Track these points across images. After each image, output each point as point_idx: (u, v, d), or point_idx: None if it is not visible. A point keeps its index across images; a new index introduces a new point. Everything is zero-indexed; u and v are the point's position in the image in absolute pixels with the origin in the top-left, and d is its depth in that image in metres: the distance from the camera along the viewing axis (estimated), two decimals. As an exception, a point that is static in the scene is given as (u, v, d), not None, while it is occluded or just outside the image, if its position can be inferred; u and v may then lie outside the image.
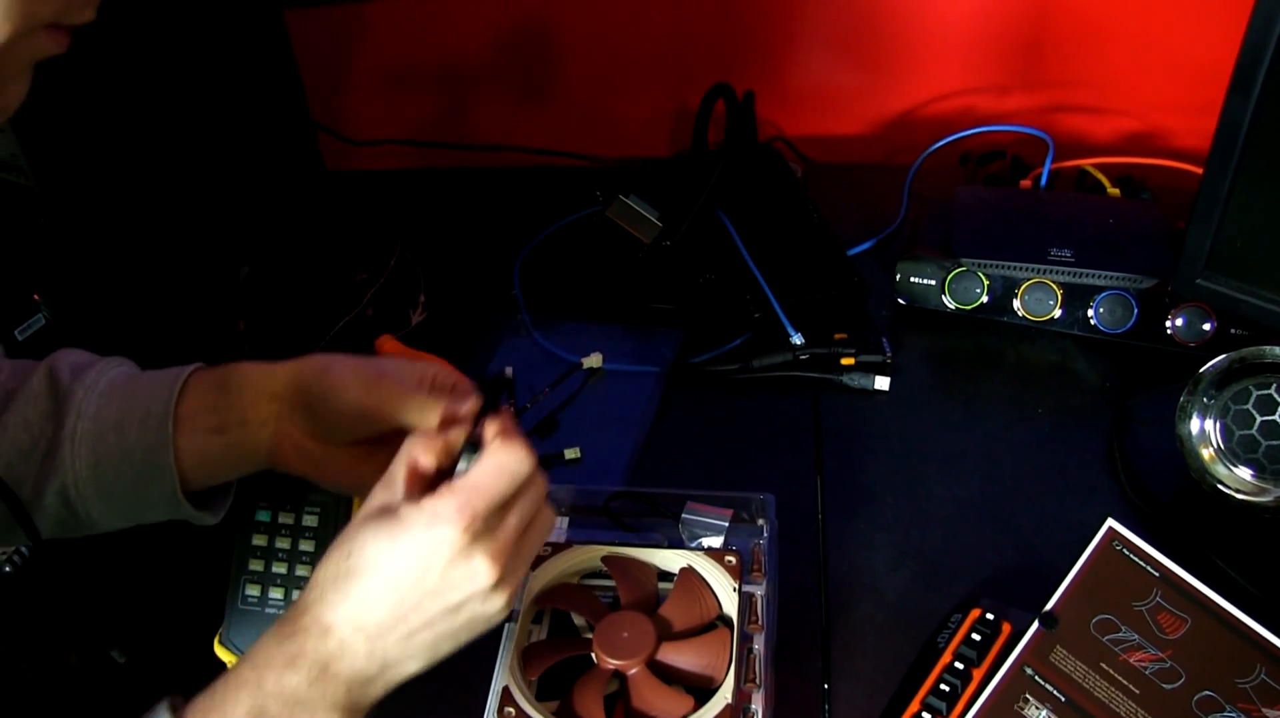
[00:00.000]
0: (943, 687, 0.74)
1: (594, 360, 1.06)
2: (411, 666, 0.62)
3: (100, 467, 0.71)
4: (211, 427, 0.73)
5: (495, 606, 0.62)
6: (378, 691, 0.62)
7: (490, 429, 0.63)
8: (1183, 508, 0.88)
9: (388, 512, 0.61)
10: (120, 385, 0.72)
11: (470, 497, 0.60)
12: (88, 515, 0.73)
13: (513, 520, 0.62)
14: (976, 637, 0.76)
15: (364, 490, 0.64)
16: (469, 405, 0.68)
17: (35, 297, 0.87)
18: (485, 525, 0.60)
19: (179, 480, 0.72)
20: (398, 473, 0.63)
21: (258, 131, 1.17)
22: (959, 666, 0.75)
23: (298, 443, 0.74)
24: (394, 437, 0.67)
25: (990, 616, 0.78)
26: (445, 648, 0.63)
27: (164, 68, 1.01)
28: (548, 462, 0.98)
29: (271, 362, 0.74)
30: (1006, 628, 0.77)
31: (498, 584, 0.61)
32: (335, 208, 1.32)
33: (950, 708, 0.73)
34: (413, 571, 0.59)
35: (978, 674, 0.75)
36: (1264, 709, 0.68)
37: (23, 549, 0.89)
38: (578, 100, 1.42)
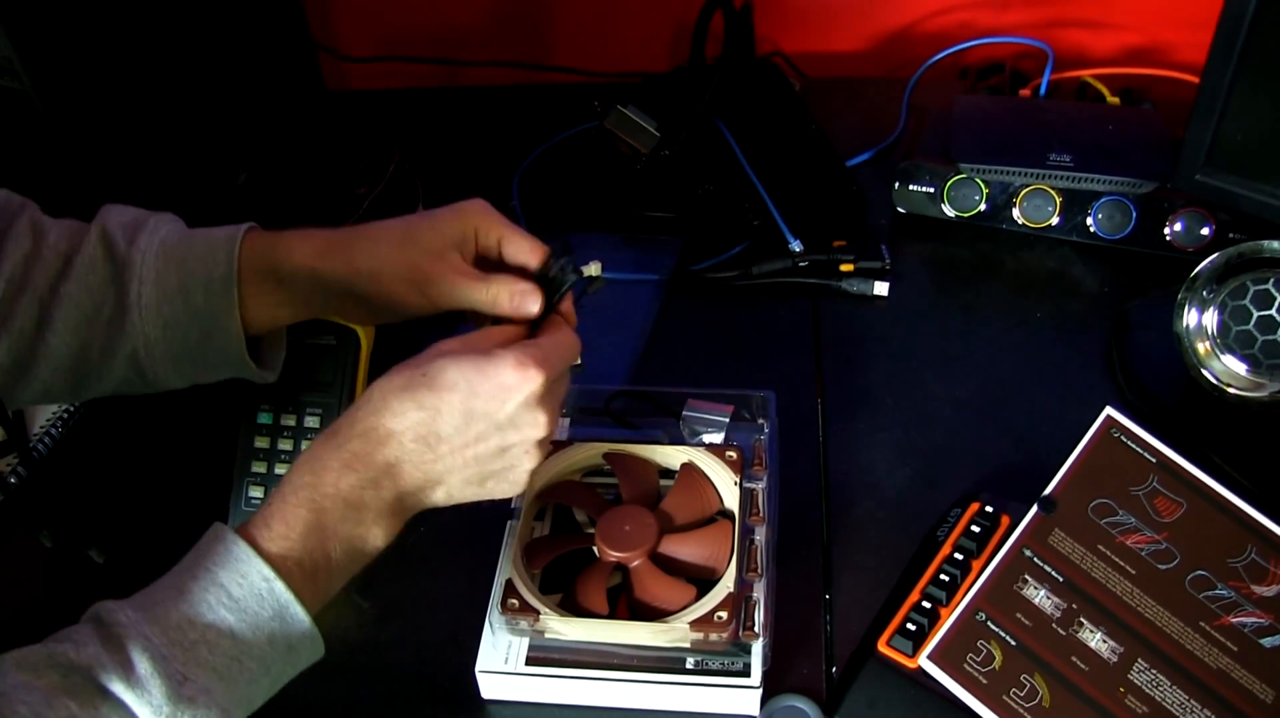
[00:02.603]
0: (942, 577, 0.75)
1: (594, 269, 1.06)
2: (443, 492, 0.66)
3: (169, 330, 0.72)
4: (273, 291, 0.74)
5: (530, 462, 0.67)
6: (417, 504, 0.66)
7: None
8: (1179, 407, 0.88)
9: (470, 348, 0.64)
10: (175, 248, 0.72)
11: (552, 358, 0.65)
12: (154, 376, 0.74)
13: (559, 397, 0.68)
14: (976, 529, 0.77)
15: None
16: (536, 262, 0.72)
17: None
18: (552, 388, 0.65)
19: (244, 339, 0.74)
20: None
21: (256, 49, 1.15)
22: (958, 557, 0.76)
23: (359, 315, 0.80)
24: None
25: (989, 508, 0.79)
26: (473, 488, 0.66)
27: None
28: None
29: (317, 247, 0.73)
30: (1005, 520, 0.78)
31: (541, 442, 0.66)
32: (334, 124, 1.31)
33: (950, 597, 0.74)
34: (492, 399, 0.63)
35: (977, 565, 0.76)
36: (1253, 587, 0.69)
37: (20, 470, 0.90)
38: (575, 16, 1.41)
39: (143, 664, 0.55)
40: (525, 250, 0.73)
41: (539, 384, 0.63)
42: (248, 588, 0.59)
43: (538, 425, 0.65)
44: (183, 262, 0.72)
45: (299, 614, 0.60)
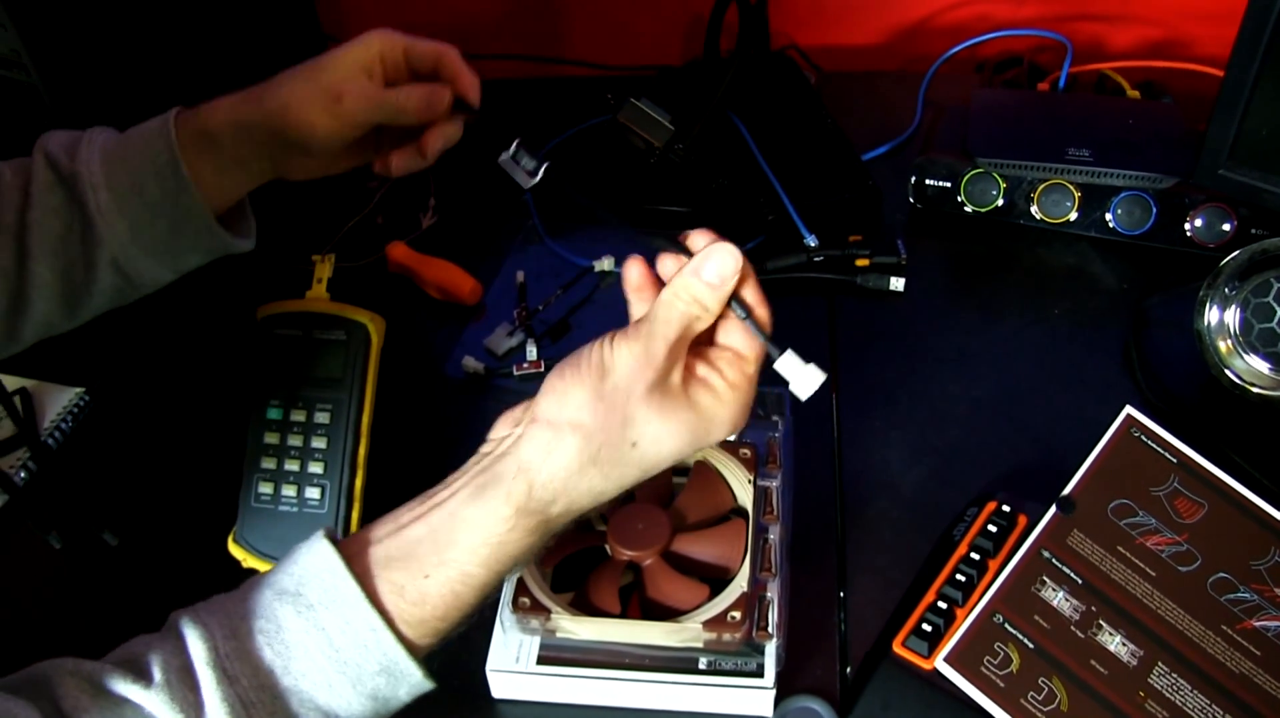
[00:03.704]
0: (959, 577, 0.74)
1: (606, 264, 1.05)
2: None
3: (136, 228, 0.73)
4: (217, 168, 0.74)
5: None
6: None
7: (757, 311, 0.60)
8: (1199, 405, 0.87)
9: (673, 388, 0.57)
10: (115, 150, 0.73)
11: (747, 397, 0.59)
12: (139, 276, 0.75)
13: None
14: (993, 529, 0.76)
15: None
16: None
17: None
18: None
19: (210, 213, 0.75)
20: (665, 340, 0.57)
21: (266, 40, 1.15)
22: (975, 557, 0.75)
23: (297, 163, 0.77)
24: None
25: (1006, 508, 0.78)
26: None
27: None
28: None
29: (234, 100, 0.74)
30: (1022, 520, 0.77)
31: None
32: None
33: (966, 598, 0.73)
34: (676, 452, 0.58)
35: (993, 565, 0.75)
36: (1276, 589, 0.68)
37: (30, 464, 0.89)
38: (589, 10, 1.40)
39: (217, 716, 0.51)
40: (430, 54, 0.75)
41: (725, 432, 0.59)
42: (352, 637, 0.54)
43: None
44: (125, 160, 0.73)
45: (409, 669, 0.56)
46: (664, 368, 0.56)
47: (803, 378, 0.60)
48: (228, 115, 0.74)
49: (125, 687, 0.51)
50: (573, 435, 0.56)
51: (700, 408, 0.58)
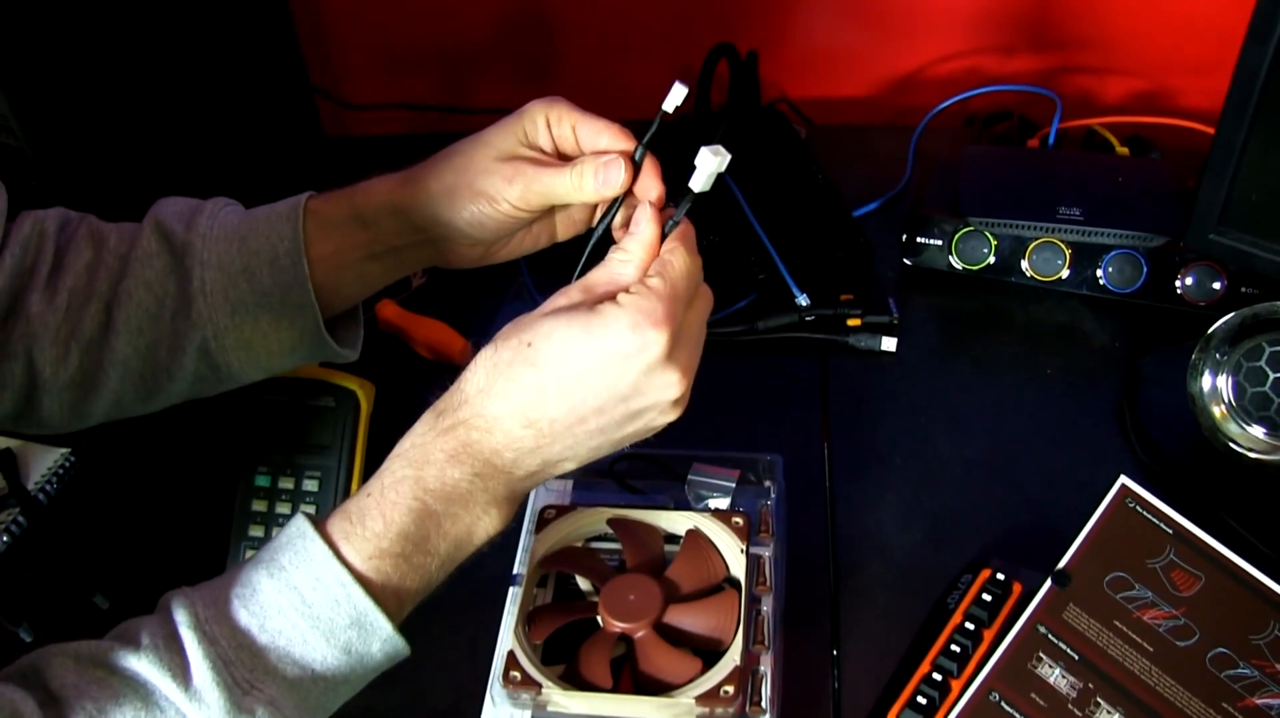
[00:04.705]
0: (953, 647, 0.73)
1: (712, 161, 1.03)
2: (570, 464, 0.62)
3: (238, 314, 0.70)
4: (360, 258, 0.72)
5: (671, 417, 0.61)
6: (535, 485, 0.62)
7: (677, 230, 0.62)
8: (1194, 467, 0.87)
9: (581, 307, 0.59)
10: (235, 227, 0.70)
11: (673, 305, 0.58)
12: (228, 368, 0.72)
13: (695, 332, 0.61)
14: (987, 597, 0.75)
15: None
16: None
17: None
18: (681, 335, 0.59)
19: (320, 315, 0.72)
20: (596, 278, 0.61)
21: (254, 95, 1.15)
22: (970, 626, 0.74)
23: (458, 251, 0.74)
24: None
25: (1001, 576, 0.77)
26: (605, 451, 0.62)
27: (159, 27, 1.00)
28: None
29: (392, 182, 0.72)
30: (1017, 588, 0.76)
31: (679, 399, 0.60)
32: (333, 173, 1.30)
33: (961, 669, 0.72)
34: (607, 370, 0.57)
35: (988, 635, 0.74)
36: (1277, 665, 0.67)
37: (20, 519, 0.88)
38: (578, 63, 1.40)
39: (201, 673, 0.54)
40: (603, 133, 0.67)
41: (662, 345, 0.57)
42: (323, 593, 0.57)
43: (670, 385, 0.59)
44: (243, 239, 0.70)
45: (380, 623, 0.58)
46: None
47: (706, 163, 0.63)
48: (387, 199, 0.71)
49: (115, 656, 0.54)
50: (484, 350, 0.60)
51: (600, 311, 0.58)
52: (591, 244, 0.68)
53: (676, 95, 0.64)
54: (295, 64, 1.23)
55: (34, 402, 0.70)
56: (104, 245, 0.70)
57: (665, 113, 0.65)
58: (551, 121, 0.68)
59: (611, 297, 0.59)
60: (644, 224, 0.62)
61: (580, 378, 0.58)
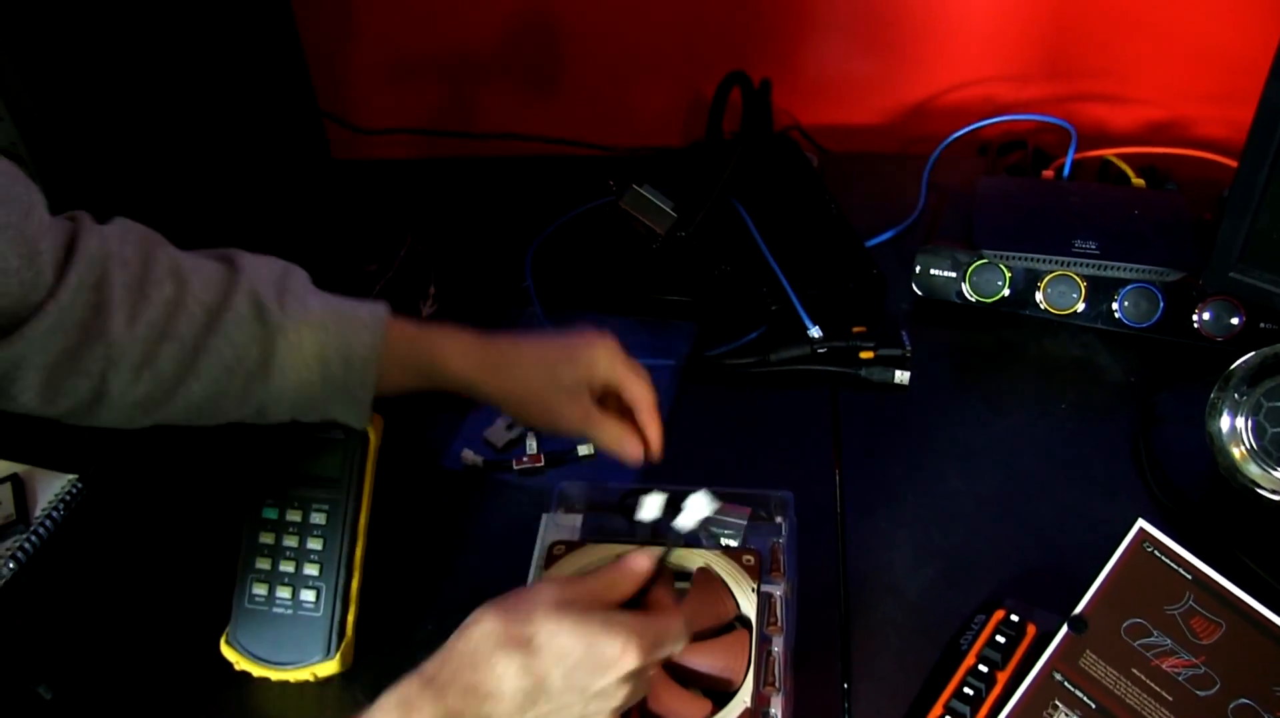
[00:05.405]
0: (966, 690, 0.72)
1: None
2: None
3: (303, 390, 0.75)
4: (413, 380, 0.80)
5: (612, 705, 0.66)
6: None
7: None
8: (1211, 507, 0.86)
9: (579, 606, 0.64)
10: (322, 318, 0.76)
11: (656, 645, 0.64)
12: (270, 418, 0.77)
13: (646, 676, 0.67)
14: (1000, 639, 0.74)
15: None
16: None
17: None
18: (643, 670, 0.64)
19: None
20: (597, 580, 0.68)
21: (263, 119, 1.14)
22: (983, 668, 0.73)
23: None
24: None
25: (1015, 617, 0.76)
26: None
27: (167, 54, 0.99)
28: (560, 458, 0.96)
29: (473, 364, 0.81)
30: (1031, 630, 0.75)
31: (615, 711, 0.65)
32: (343, 197, 1.30)
33: (975, 712, 0.71)
34: (593, 673, 0.63)
35: (1002, 678, 0.73)
36: (1301, 717, 0.66)
37: (26, 545, 0.87)
38: (590, 88, 1.40)
39: None
40: (633, 397, 0.82)
41: (635, 667, 0.63)
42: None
43: (617, 697, 0.64)
44: (326, 331, 0.75)
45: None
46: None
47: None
48: (464, 373, 0.80)
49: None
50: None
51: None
52: None
53: (653, 505, 0.74)
54: (304, 88, 1.22)
55: (92, 412, 0.72)
56: (185, 288, 0.72)
57: (642, 522, 0.75)
58: (604, 369, 0.82)
59: None
60: (630, 444, 0.82)
61: (572, 676, 0.63)
